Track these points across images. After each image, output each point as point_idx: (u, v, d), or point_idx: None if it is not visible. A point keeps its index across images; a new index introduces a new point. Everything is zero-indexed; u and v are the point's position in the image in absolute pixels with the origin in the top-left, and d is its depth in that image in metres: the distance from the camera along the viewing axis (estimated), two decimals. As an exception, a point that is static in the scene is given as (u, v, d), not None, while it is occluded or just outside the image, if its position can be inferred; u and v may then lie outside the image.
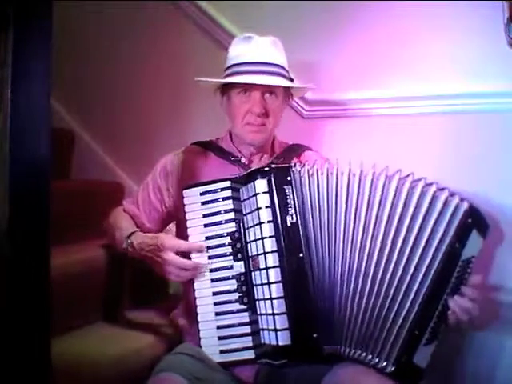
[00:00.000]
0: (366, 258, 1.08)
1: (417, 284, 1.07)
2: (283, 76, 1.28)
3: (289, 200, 1.08)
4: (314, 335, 1.05)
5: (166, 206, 1.35)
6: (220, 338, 1.13)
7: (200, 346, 1.15)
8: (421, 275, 1.07)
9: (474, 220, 1.10)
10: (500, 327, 1.35)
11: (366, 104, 1.55)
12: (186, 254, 1.18)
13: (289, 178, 1.09)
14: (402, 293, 1.07)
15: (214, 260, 1.16)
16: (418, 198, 1.09)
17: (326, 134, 1.63)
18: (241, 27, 1.68)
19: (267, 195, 1.09)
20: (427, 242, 1.08)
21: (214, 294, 1.15)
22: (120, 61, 2.06)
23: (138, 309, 1.53)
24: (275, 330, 1.05)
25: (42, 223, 0.79)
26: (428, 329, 1.07)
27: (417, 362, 1.08)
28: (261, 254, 1.08)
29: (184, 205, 1.19)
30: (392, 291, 1.08)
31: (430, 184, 1.11)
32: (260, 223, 1.08)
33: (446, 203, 1.09)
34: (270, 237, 1.07)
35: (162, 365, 1.14)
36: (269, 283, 1.07)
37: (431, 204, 1.09)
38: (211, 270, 1.16)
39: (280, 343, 1.04)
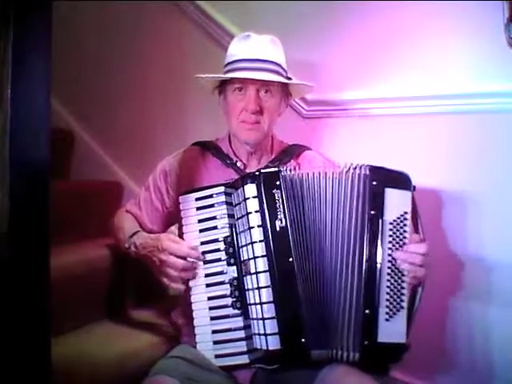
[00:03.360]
0: (345, 259, 1.09)
1: (356, 266, 1.08)
2: (280, 74, 1.28)
3: (278, 204, 1.09)
4: (303, 340, 1.05)
5: (167, 207, 1.36)
6: (215, 343, 1.14)
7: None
8: (356, 256, 1.08)
9: (381, 180, 1.10)
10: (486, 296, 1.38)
11: (365, 104, 1.55)
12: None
13: (278, 183, 1.10)
14: (349, 281, 1.08)
15: (209, 265, 1.16)
16: (344, 185, 1.11)
17: (326, 134, 1.63)
18: (240, 27, 1.68)
19: (256, 200, 1.09)
20: (356, 223, 1.09)
21: (209, 298, 1.15)
22: (120, 61, 2.06)
23: (139, 309, 1.53)
24: (265, 335, 1.06)
25: (41, 223, 0.79)
26: (380, 303, 1.07)
27: (385, 339, 1.06)
28: (251, 259, 1.09)
29: (180, 211, 1.20)
30: (343, 284, 1.08)
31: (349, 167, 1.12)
32: (250, 228, 1.09)
33: (358, 178, 1.10)
34: (260, 241, 1.08)
35: (156, 367, 1.15)
36: (259, 288, 1.07)
37: (352, 184, 1.10)
38: (206, 275, 1.16)
39: (270, 348, 1.05)
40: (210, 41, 1.80)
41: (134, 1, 1.95)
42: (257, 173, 1.11)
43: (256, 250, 1.08)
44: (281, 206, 1.09)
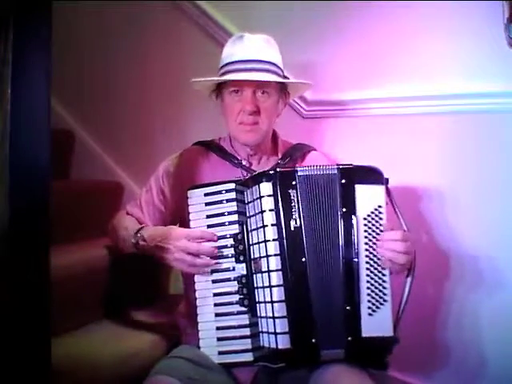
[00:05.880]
0: (332, 258, 1.09)
1: (335, 264, 1.08)
2: (276, 73, 1.27)
3: (293, 204, 1.09)
4: (313, 340, 1.06)
5: (170, 208, 1.35)
6: (219, 339, 1.13)
7: (199, 347, 1.14)
8: (334, 254, 1.08)
9: (349, 178, 1.10)
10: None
11: (366, 104, 1.55)
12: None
13: (294, 183, 1.10)
14: (333, 280, 1.08)
15: (216, 261, 1.15)
16: (322, 187, 1.11)
17: (326, 133, 1.63)
18: (240, 27, 1.68)
19: (272, 198, 1.09)
20: (333, 222, 1.09)
21: (215, 295, 1.14)
22: (120, 61, 2.06)
23: (139, 309, 1.53)
24: (275, 334, 1.05)
25: (42, 223, 0.79)
26: (361, 299, 1.07)
27: (370, 334, 1.06)
28: (263, 257, 1.08)
29: (188, 205, 1.19)
30: (328, 283, 1.09)
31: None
32: (264, 226, 1.09)
33: (328, 178, 1.11)
34: (274, 240, 1.08)
35: (157, 367, 1.14)
36: (270, 286, 1.07)
37: (323, 185, 1.11)
38: (213, 271, 1.15)
39: (280, 347, 1.05)
40: (210, 41, 1.80)
41: (134, 1, 1.95)
42: (272, 171, 1.11)
43: (269, 249, 1.08)
44: (296, 206, 1.08)
